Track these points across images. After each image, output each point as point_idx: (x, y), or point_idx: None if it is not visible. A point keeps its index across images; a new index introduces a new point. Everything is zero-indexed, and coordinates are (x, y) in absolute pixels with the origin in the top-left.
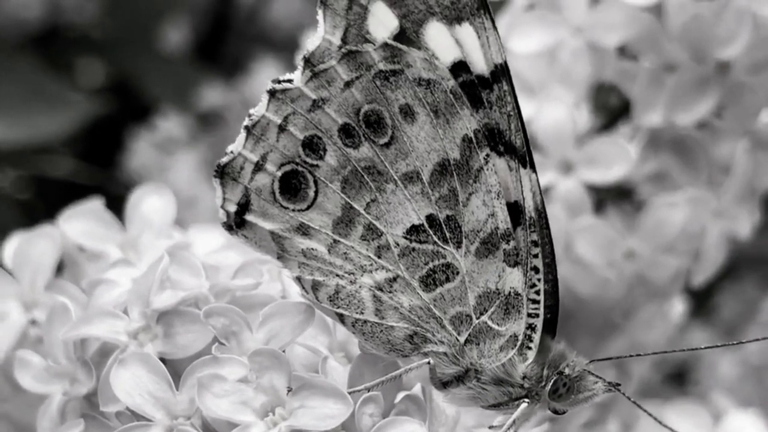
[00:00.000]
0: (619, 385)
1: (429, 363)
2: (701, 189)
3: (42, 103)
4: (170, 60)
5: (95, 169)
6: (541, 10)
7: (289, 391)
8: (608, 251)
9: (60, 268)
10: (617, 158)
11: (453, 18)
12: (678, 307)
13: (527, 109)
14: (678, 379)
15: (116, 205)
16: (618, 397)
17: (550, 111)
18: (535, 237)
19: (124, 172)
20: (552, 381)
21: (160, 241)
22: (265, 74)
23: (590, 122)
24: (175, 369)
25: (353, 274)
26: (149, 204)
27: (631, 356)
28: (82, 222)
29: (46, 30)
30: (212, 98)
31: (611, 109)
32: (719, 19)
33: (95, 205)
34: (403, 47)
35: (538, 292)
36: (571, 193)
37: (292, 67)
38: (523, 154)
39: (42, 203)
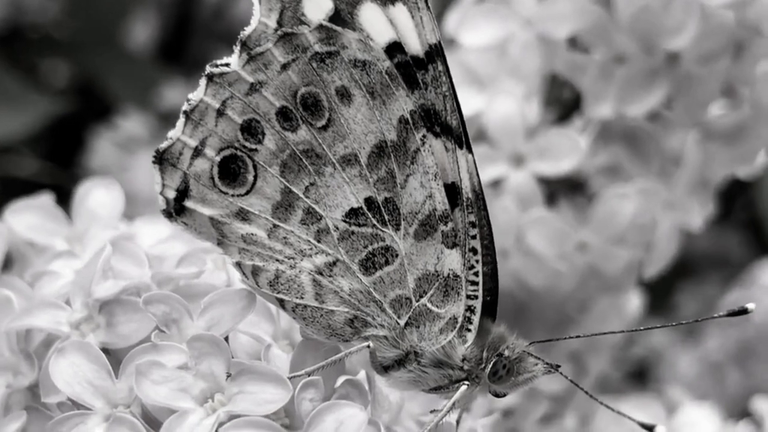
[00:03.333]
0: (559, 366)
1: (369, 346)
2: (652, 180)
3: (4, 103)
4: (132, 59)
5: (57, 168)
6: (491, 3)
7: (228, 377)
8: (559, 243)
9: (9, 263)
10: (567, 150)
11: None
12: (634, 301)
13: (477, 102)
14: (638, 376)
15: None
16: (575, 391)
17: (501, 104)
18: (472, 218)
19: (85, 171)
20: (492, 363)
21: (105, 233)
22: None
23: (542, 115)
24: (119, 359)
25: (293, 258)
26: (96, 197)
27: (573, 337)
28: (28, 216)
29: (9, 30)
30: (174, 97)
31: (564, 102)
32: (667, 10)
33: (43, 199)
34: (338, 29)
35: (476, 274)
36: (522, 185)
37: None
38: (459, 135)
39: (4, 203)
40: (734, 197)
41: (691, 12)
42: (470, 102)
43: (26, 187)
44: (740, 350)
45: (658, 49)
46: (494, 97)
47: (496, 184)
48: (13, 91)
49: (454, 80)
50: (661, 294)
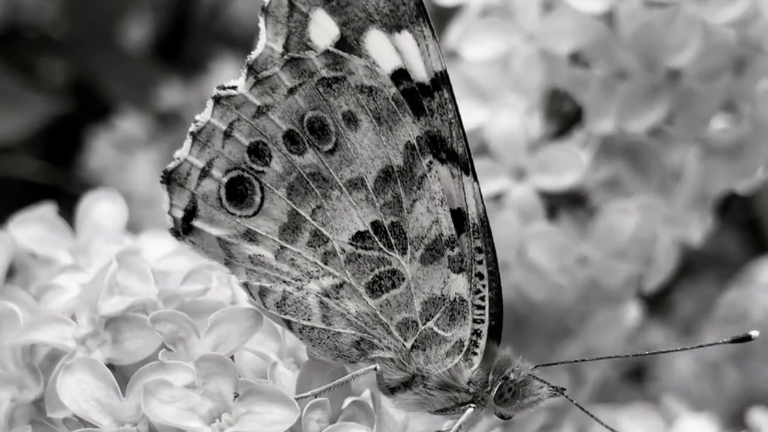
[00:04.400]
0: (564, 389)
1: (376, 369)
2: (653, 196)
3: (1, 103)
4: (130, 59)
5: (55, 168)
6: (493, 17)
7: (236, 397)
8: (560, 257)
9: (12, 274)
10: (569, 165)
11: (392, 26)
12: (632, 311)
13: (480, 115)
14: (635, 377)
15: (75, 206)
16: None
17: (503, 118)
18: (479, 243)
19: (83, 171)
20: (497, 386)
21: (110, 247)
22: (224, 74)
23: (543, 129)
24: (125, 375)
25: (300, 280)
26: (100, 209)
27: (578, 361)
28: (32, 227)
29: (6, 30)
30: (171, 98)
31: (565, 116)
32: (670, 27)
33: (46, 210)
34: (345, 54)
35: (483, 298)
36: (524, 199)
37: None
38: (465, 162)
39: (2, 203)
40: (732, 198)
41: (693, 30)
42: (472, 115)
43: (24, 188)
44: (738, 350)
45: (660, 66)
46: (497, 111)
47: (498, 197)
48: (11, 92)
49: (456, 93)
50: (658, 294)
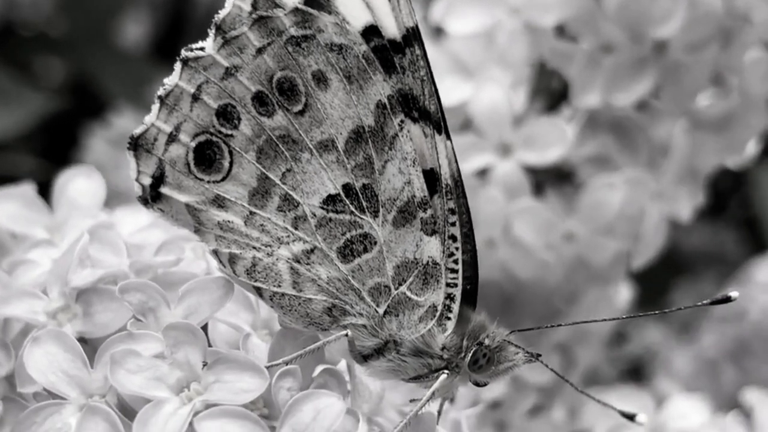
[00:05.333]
0: (540, 355)
1: (347, 335)
2: (640, 170)
3: None
4: (126, 57)
5: (51, 165)
6: None
7: (204, 365)
8: (547, 233)
9: None
10: (554, 139)
11: None
12: (624, 293)
13: (464, 90)
14: (633, 374)
15: None
16: (564, 383)
17: (487, 93)
18: (452, 205)
19: None
20: (472, 352)
21: (84, 222)
22: None
23: (530, 104)
24: (96, 348)
25: (270, 246)
26: (76, 186)
27: (555, 326)
28: (8, 205)
29: (2, 27)
30: None
31: (553, 91)
32: None
33: (24, 189)
34: (314, 12)
35: (456, 261)
36: (509, 175)
37: None
38: (437, 120)
39: None
40: (729, 194)
41: (678, 0)
42: (457, 90)
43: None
44: (736, 347)
45: (646, 38)
46: (481, 86)
47: (483, 173)
48: (7, 89)
49: (440, 68)
50: (655, 291)
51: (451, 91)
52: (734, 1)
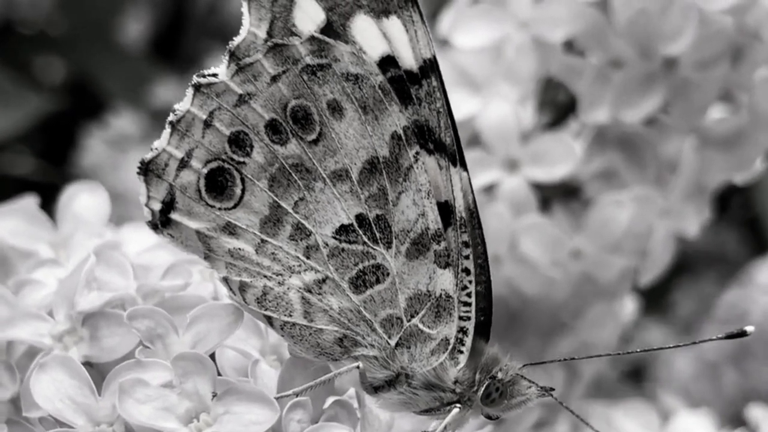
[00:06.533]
0: (553, 390)
1: (358, 367)
2: (648, 187)
3: None
4: (125, 56)
5: (49, 166)
6: (486, 5)
7: (214, 396)
8: (554, 250)
9: None
10: (562, 156)
11: (380, 11)
12: (629, 306)
13: (471, 105)
14: (634, 376)
15: None
16: (567, 397)
17: (495, 108)
18: (466, 238)
19: (76, 169)
20: (484, 386)
21: (90, 241)
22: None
23: (537, 119)
24: (103, 373)
25: (281, 275)
26: (81, 202)
27: (568, 359)
28: (12, 220)
29: (1, 27)
30: (166, 95)
31: (559, 105)
32: (665, 15)
33: (27, 203)
34: (330, 41)
35: (469, 295)
36: (516, 191)
37: None
38: (453, 152)
39: None
40: (731, 195)
41: (689, 17)
42: (464, 105)
43: (18, 185)
44: (737, 350)
45: (656, 54)
46: (488, 101)
47: (490, 189)
48: (6, 89)
49: (447, 81)
50: (657, 292)
51: (459, 106)
52: (745, 18)
